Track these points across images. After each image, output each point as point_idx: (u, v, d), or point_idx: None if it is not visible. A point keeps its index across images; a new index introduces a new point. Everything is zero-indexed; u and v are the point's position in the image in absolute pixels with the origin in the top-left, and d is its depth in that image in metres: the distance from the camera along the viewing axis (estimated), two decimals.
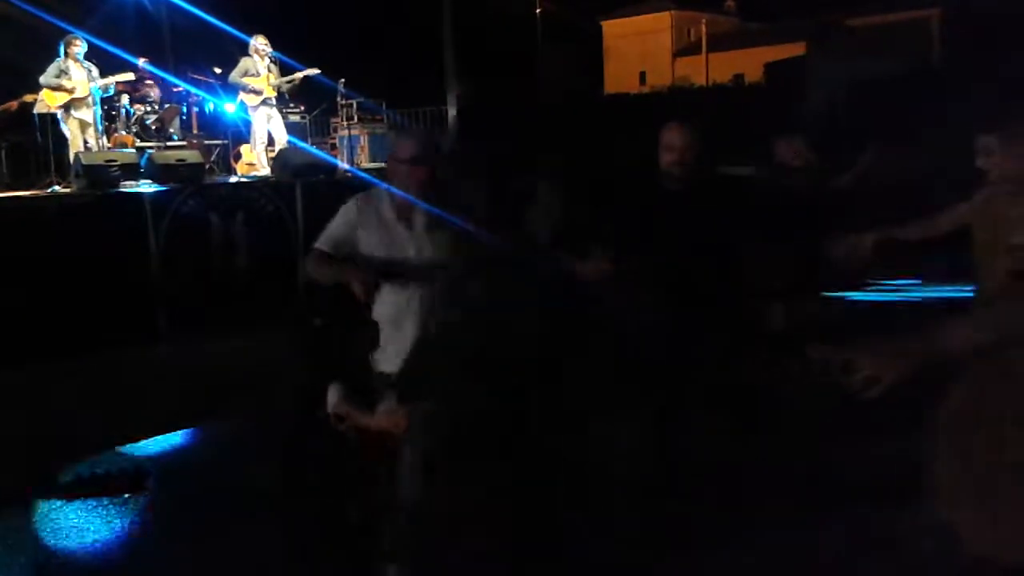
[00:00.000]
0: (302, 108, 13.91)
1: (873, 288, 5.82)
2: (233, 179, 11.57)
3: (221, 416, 6.18)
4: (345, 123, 13.94)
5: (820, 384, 2.12)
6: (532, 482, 3.21)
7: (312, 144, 13.25)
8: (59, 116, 10.66)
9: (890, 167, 4.75)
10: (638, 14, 57.18)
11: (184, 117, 13.04)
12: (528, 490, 3.13)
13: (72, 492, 5.00)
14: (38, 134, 10.66)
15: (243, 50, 11.69)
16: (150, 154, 10.70)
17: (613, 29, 57.61)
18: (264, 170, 11.68)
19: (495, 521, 2.96)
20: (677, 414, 3.81)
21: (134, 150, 11.16)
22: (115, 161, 10.05)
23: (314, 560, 3.15)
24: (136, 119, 12.08)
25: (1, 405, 6.20)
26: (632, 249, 3.69)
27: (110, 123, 11.75)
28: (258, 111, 11.65)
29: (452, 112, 15.45)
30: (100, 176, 9.73)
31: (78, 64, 10.63)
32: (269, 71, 11.60)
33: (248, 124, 11.97)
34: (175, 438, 6.07)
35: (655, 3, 57.43)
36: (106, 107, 11.49)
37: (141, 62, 12.31)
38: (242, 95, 11.70)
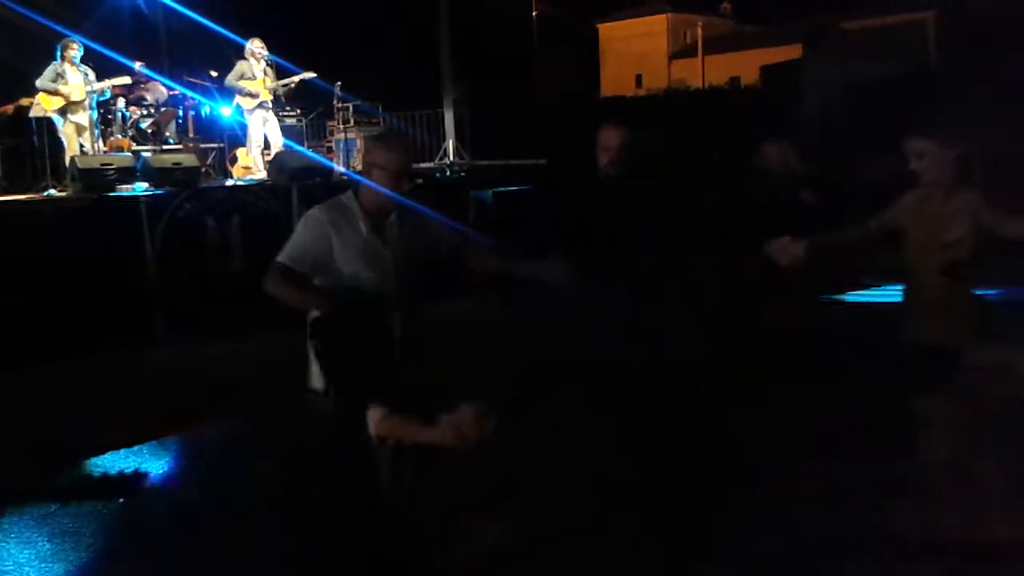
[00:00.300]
0: (298, 111, 13.90)
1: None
2: (229, 182, 11.56)
3: (219, 419, 6.18)
4: (341, 126, 13.92)
5: None
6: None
7: (308, 147, 13.24)
8: (55, 119, 10.65)
9: (882, 170, 4.78)
10: (634, 17, 57.25)
11: (180, 120, 13.02)
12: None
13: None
14: (34, 137, 10.63)
15: (239, 53, 11.69)
16: (146, 158, 10.69)
17: (609, 32, 57.70)
18: (260, 173, 11.68)
19: None
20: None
21: (130, 154, 11.14)
22: (111, 165, 10.05)
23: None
24: (132, 123, 12.07)
25: None
26: (579, 247, 3.73)
27: (106, 127, 11.74)
28: (254, 114, 11.65)
29: (448, 115, 15.47)
30: (96, 180, 9.73)
31: (74, 68, 10.63)
32: (265, 74, 11.60)
33: (244, 127, 11.96)
34: (172, 441, 6.07)
35: (651, 6, 57.54)
36: (102, 111, 11.48)
37: (137, 65, 12.30)
38: (238, 98, 11.70)
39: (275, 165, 11.15)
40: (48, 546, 4.43)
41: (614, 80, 50.78)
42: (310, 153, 12.38)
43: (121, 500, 5.02)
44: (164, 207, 8.99)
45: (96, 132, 11.13)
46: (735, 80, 36.32)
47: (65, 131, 10.69)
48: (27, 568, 4.19)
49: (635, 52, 55.60)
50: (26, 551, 4.37)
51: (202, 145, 12.80)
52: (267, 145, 11.90)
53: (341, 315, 2.98)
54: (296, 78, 11.96)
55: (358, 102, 14.52)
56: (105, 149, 11.28)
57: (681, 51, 56.35)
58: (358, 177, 3.29)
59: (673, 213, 3.94)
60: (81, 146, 10.78)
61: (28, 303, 7.66)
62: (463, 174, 14.07)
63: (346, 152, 13.70)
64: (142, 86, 12.30)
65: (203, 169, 11.59)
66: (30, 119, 10.76)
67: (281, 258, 3.29)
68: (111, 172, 9.83)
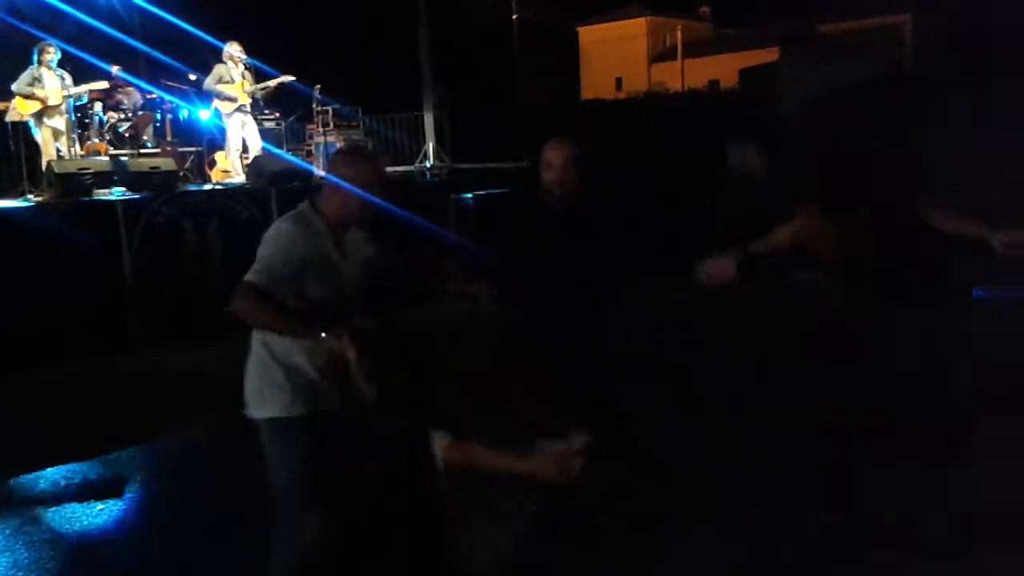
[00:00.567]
0: (277, 115, 13.85)
1: None
2: (207, 186, 11.50)
3: (195, 425, 6.15)
4: (321, 129, 13.88)
5: None
6: None
7: (287, 151, 13.19)
8: (32, 124, 10.57)
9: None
10: (614, 20, 57.43)
11: (158, 124, 12.93)
12: None
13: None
14: (10, 142, 10.56)
15: (217, 57, 11.64)
16: (123, 162, 10.62)
17: (589, 35, 57.85)
18: (239, 177, 11.63)
19: None
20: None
21: (107, 158, 11.07)
22: (88, 169, 9.99)
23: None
24: (109, 127, 11.98)
25: None
26: (515, 268, 3.65)
27: (83, 131, 11.65)
28: (232, 118, 11.60)
29: (428, 118, 15.45)
30: (73, 184, 9.67)
31: (51, 72, 10.54)
32: (244, 78, 11.56)
33: (223, 131, 11.91)
34: (149, 447, 6.04)
35: (631, 9, 57.74)
36: (79, 115, 11.39)
37: (115, 69, 12.21)
38: (216, 102, 11.65)
39: (254, 169, 11.10)
40: (26, 554, 4.40)
41: (594, 83, 50.89)
42: (289, 156, 12.33)
43: (99, 507, 4.98)
44: (141, 211, 8.94)
45: (73, 136, 11.05)
46: (714, 83, 36.48)
47: (42, 135, 10.60)
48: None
49: (615, 55, 55.78)
50: (3, 559, 4.34)
51: (180, 149, 12.71)
52: (246, 149, 11.86)
53: (389, 330, 2.83)
54: (275, 81, 11.91)
55: (338, 105, 14.48)
56: (82, 153, 11.19)
57: (661, 54, 56.55)
58: (335, 180, 3.20)
59: (616, 238, 3.84)
60: (58, 150, 10.69)
61: (2, 308, 7.62)
62: (443, 177, 14.07)
63: (325, 155, 13.63)
64: (119, 90, 12.22)
65: (181, 173, 11.53)
66: (6, 124, 10.67)
67: (253, 277, 2.99)
68: (88, 177, 9.77)
